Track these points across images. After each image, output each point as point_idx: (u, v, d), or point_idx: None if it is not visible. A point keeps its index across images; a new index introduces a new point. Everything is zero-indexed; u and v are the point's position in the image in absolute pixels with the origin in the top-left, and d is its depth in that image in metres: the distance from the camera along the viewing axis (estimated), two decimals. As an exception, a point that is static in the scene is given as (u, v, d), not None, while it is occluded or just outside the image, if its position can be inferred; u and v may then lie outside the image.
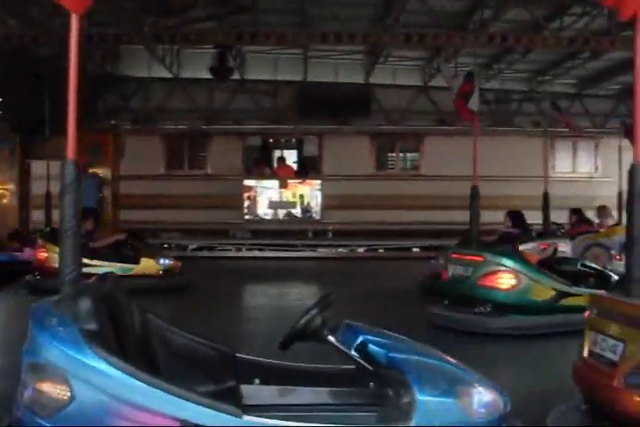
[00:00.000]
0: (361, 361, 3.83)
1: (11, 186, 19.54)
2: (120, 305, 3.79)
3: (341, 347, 3.85)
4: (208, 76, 18.39)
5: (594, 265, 9.95)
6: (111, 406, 3.18)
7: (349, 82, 20.03)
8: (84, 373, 3.17)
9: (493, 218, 18.06)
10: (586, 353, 4.39)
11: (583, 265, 9.79)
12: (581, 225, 14.31)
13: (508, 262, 8.82)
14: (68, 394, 3.17)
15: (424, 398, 3.46)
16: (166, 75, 19.37)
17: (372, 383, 4.01)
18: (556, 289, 8.69)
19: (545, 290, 8.69)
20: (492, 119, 20.80)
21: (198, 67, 18.88)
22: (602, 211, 14.76)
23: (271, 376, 4.20)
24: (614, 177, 19.61)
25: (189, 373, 4.04)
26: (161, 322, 4.19)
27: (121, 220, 19.01)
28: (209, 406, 3.23)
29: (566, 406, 4.56)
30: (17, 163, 19.48)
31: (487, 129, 20.02)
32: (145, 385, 3.19)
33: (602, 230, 13.75)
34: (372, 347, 3.85)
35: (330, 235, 19.71)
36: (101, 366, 3.17)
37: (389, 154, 21.10)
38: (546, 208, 14.71)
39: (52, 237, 11.70)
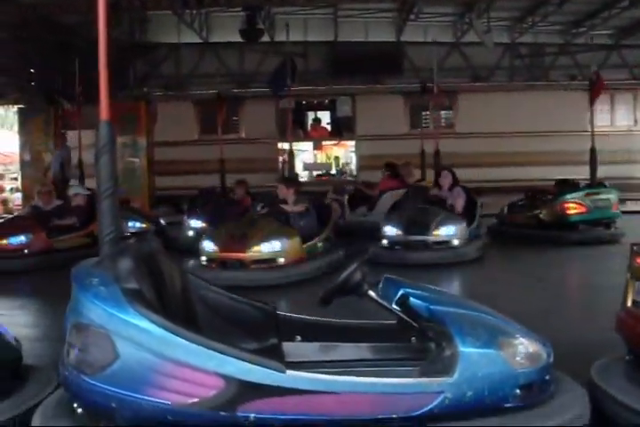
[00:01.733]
0: (402, 315, 3.82)
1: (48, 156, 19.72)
2: (160, 265, 3.81)
3: (382, 301, 3.84)
4: (238, 39, 18.24)
5: None
6: (154, 364, 3.22)
7: (380, 41, 19.74)
8: (126, 331, 3.21)
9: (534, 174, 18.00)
10: (629, 303, 4.32)
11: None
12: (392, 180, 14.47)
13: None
14: (113, 352, 3.22)
15: (467, 350, 3.45)
16: (196, 39, 19.26)
17: (413, 338, 4.00)
18: None
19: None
20: (528, 74, 20.45)
21: (228, 30, 18.72)
22: (404, 168, 15.03)
23: (312, 333, 4.22)
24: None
25: (231, 331, 4.06)
26: (201, 281, 4.22)
27: (157, 186, 19.09)
28: (251, 362, 3.25)
29: (610, 357, 4.51)
30: (52, 133, 19.63)
31: (523, 84, 19.79)
32: (187, 342, 3.22)
33: None
34: (412, 300, 3.85)
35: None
36: (143, 323, 3.21)
37: (423, 112, 20.86)
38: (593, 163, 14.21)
39: None
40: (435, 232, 10.45)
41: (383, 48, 19.52)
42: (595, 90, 13.73)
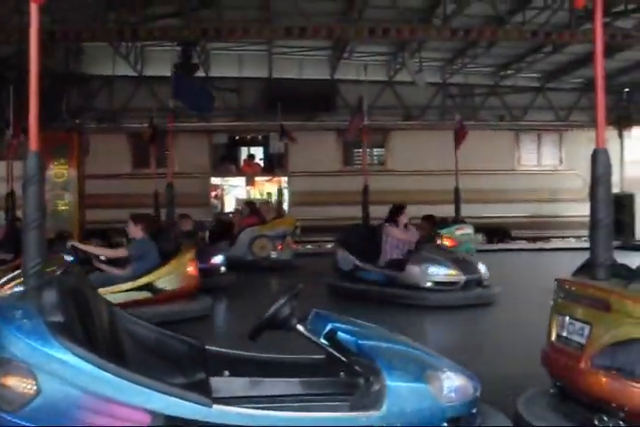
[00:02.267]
0: (330, 349, 3.83)
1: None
2: (86, 297, 3.75)
3: (310, 335, 3.85)
4: (170, 73, 18.24)
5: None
6: (79, 399, 3.14)
7: (314, 78, 20.01)
8: (50, 365, 3.13)
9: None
10: (554, 337, 4.42)
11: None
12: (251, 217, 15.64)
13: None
14: (35, 388, 3.13)
15: (394, 384, 3.47)
16: (130, 72, 19.21)
17: (342, 373, 4.02)
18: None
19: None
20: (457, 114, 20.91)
21: (162, 64, 18.71)
22: (263, 206, 16.72)
23: (241, 368, 4.20)
24: (578, 169, 19.86)
25: (158, 365, 4.02)
26: (128, 315, 4.17)
27: (87, 220, 18.80)
28: (179, 397, 3.21)
29: (535, 390, 4.60)
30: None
31: (453, 123, 20.19)
32: (113, 377, 3.16)
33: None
34: (341, 335, 3.86)
35: (298, 231, 19.66)
36: (68, 357, 3.14)
37: (355, 150, 21.12)
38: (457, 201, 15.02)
39: None
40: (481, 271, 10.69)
41: (317, 85, 19.78)
42: (458, 136, 14.66)
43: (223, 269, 12.45)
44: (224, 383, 4.13)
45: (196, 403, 3.22)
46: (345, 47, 17.93)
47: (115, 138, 19.91)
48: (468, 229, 14.06)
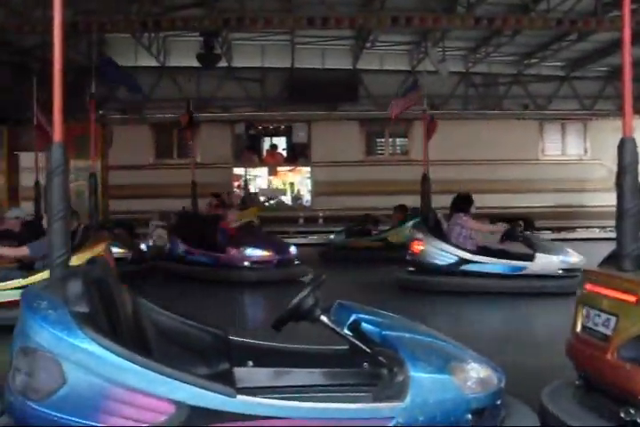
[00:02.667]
0: (354, 340, 3.83)
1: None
2: (110, 288, 3.77)
3: (334, 326, 3.85)
4: (195, 64, 18.28)
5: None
6: (104, 389, 3.16)
7: (337, 68, 19.94)
8: (75, 355, 3.15)
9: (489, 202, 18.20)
10: (579, 328, 4.39)
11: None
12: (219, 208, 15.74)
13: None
14: (61, 377, 3.15)
15: (418, 375, 3.46)
16: (153, 63, 19.25)
17: (365, 363, 4.01)
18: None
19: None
20: (481, 103, 20.79)
21: (185, 55, 18.77)
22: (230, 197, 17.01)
23: (265, 358, 4.20)
24: (603, 159, 19.70)
25: (182, 356, 4.03)
26: (153, 305, 4.18)
27: (110, 210, 18.93)
28: (203, 387, 3.22)
29: (561, 381, 4.57)
30: (5, 155, 19.40)
31: (476, 113, 20.11)
32: (138, 367, 3.17)
33: None
34: (364, 325, 3.86)
35: (321, 221, 19.70)
36: (93, 348, 3.15)
37: (378, 139, 21.08)
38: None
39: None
40: None
41: (340, 75, 19.72)
42: (429, 129, 14.60)
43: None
44: (247, 374, 4.14)
45: (220, 393, 3.23)
46: (367, 37, 17.83)
47: (138, 129, 19.99)
48: None
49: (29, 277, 7.68)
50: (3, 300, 7.45)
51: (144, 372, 3.17)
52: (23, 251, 8.27)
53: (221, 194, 16.86)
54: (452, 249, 10.50)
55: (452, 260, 10.43)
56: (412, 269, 10.83)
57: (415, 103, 13.43)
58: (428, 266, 10.57)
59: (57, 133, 3.72)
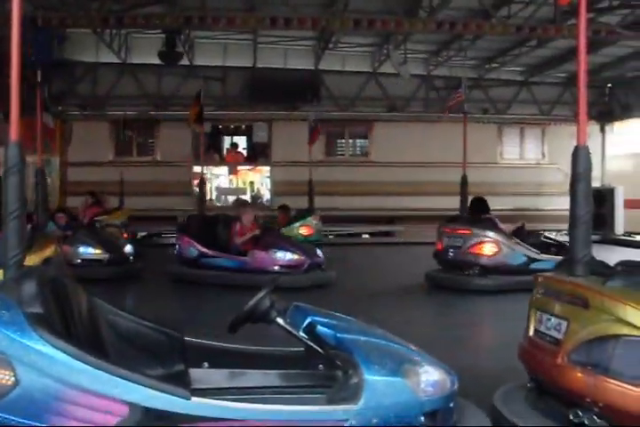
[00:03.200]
0: (309, 342, 3.84)
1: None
2: (66, 289, 3.73)
3: (289, 328, 3.86)
4: (157, 61, 18.16)
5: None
6: (57, 391, 3.13)
7: (299, 68, 19.95)
8: (28, 357, 3.11)
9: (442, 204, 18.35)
10: (531, 332, 4.46)
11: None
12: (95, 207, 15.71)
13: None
14: (12, 379, 3.11)
15: (372, 378, 3.49)
16: (114, 60, 19.09)
17: (320, 365, 4.02)
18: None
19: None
20: (441, 106, 20.93)
21: (147, 52, 18.62)
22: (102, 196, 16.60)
23: (220, 359, 4.19)
24: (560, 163, 19.96)
25: (137, 357, 4.01)
26: (108, 306, 4.15)
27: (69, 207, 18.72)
28: (157, 389, 3.20)
29: (512, 384, 4.64)
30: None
31: (436, 115, 20.25)
32: (92, 368, 3.15)
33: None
34: (320, 328, 3.87)
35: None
36: (46, 349, 3.12)
37: (339, 140, 21.14)
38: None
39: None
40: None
41: (301, 75, 19.74)
42: (312, 135, 16.34)
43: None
44: (203, 375, 4.13)
45: (175, 395, 3.22)
46: (330, 38, 17.88)
47: (98, 125, 19.81)
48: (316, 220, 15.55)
49: None
50: None
51: (97, 373, 3.14)
52: None
53: (97, 193, 16.44)
54: (522, 249, 10.90)
55: (523, 259, 10.84)
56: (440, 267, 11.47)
57: (458, 103, 13.61)
58: (501, 267, 10.80)
59: (13, 132, 3.68)
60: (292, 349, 4.24)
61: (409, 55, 18.48)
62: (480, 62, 20.23)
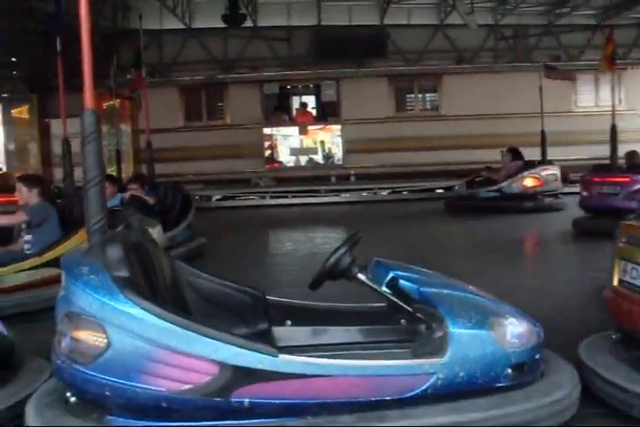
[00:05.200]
0: (392, 297, 3.84)
1: (32, 145, 19.69)
2: (148, 252, 3.80)
3: (371, 284, 3.86)
4: (221, 24, 18.15)
5: None
6: (148, 351, 3.21)
7: (364, 24, 19.67)
8: (118, 319, 3.20)
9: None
10: (616, 282, 4.37)
11: None
12: None
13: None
14: (105, 341, 3.22)
15: (458, 331, 3.48)
16: (179, 26, 19.15)
17: (403, 320, 4.03)
18: None
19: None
20: (510, 55, 20.45)
21: (210, 16, 18.61)
22: None
23: (302, 317, 4.23)
24: (638, 109, 19.34)
25: (221, 316, 4.07)
26: (190, 268, 4.22)
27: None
28: (245, 347, 3.26)
29: (598, 335, 4.56)
30: (36, 122, 19.57)
31: (507, 66, 19.79)
32: (180, 328, 3.22)
33: None
34: (402, 283, 3.87)
35: (353, 179, 19.66)
36: (135, 311, 3.20)
37: (408, 95, 20.86)
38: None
39: None
40: None
41: (367, 31, 19.46)
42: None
43: None
44: (286, 333, 4.18)
45: (262, 353, 3.27)
46: (394, -9, 17.56)
47: (166, 91, 19.97)
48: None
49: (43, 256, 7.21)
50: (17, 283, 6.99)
51: (186, 333, 3.21)
52: (18, 217, 7.39)
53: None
54: None
55: None
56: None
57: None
58: None
59: (88, 100, 3.74)
60: (373, 304, 4.25)
61: (475, 5, 18.01)
62: (550, 7, 19.60)
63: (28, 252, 7.30)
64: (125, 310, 3.20)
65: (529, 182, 14.72)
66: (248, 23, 18.50)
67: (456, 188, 16.07)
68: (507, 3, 18.94)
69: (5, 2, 13.79)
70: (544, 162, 15.41)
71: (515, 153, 15.40)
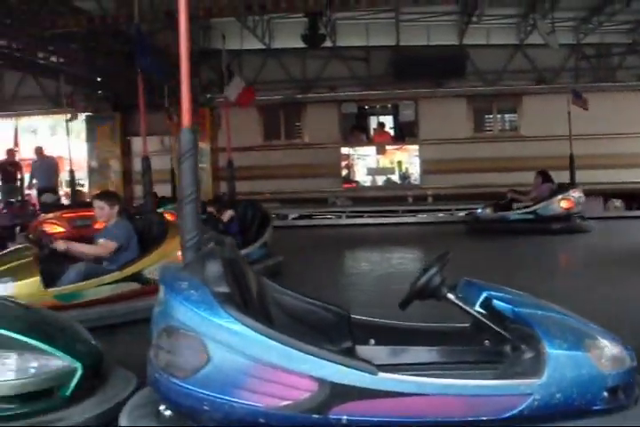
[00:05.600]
0: (483, 318, 3.81)
1: (114, 162, 20.19)
2: (241, 268, 3.86)
3: (462, 304, 3.84)
4: (300, 45, 18.36)
5: None
6: (247, 367, 3.24)
7: (443, 44, 19.64)
8: (219, 334, 3.24)
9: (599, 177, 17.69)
10: None
11: None
12: None
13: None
14: (205, 356, 3.25)
15: (555, 352, 3.44)
16: (258, 46, 19.45)
17: (487, 341, 3.98)
18: None
19: None
20: (594, 75, 20.11)
21: (290, 36, 18.86)
22: None
23: (386, 337, 4.21)
24: None
25: (306, 334, 4.07)
26: (275, 285, 4.26)
27: (221, 192, 19.30)
28: (345, 364, 3.27)
29: None
30: (119, 140, 20.07)
31: (589, 86, 19.47)
32: (281, 344, 3.24)
33: None
34: (496, 303, 3.84)
35: (430, 200, 19.57)
36: (236, 326, 3.24)
37: (487, 115, 20.71)
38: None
39: None
40: None
41: (446, 51, 19.42)
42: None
43: None
44: (370, 352, 4.15)
45: (362, 370, 3.27)
46: (473, 11, 17.46)
47: (246, 111, 20.24)
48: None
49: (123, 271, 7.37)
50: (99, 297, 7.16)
51: (287, 349, 3.23)
52: (110, 246, 7.47)
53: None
54: None
55: None
56: None
57: None
58: None
59: (186, 119, 3.84)
60: (455, 325, 4.22)
61: (557, 24, 17.80)
62: (634, 26, 19.22)
63: (108, 267, 7.47)
64: (226, 326, 3.24)
65: (564, 204, 14.86)
66: (327, 43, 18.66)
67: (479, 211, 15.98)
68: (589, 22, 18.67)
69: (93, 24, 14.25)
70: (573, 184, 15.49)
71: (544, 176, 15.61)
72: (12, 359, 3.88)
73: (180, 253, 7.36)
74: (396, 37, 19.58)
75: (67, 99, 16.56)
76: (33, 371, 3.91)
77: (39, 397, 3.91)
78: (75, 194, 17.14)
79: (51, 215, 13.78)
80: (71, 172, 16.34)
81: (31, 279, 6.86)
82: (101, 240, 7.54)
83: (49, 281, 6.95)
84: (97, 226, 9.20)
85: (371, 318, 4.36)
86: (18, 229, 14.23)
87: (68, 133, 16.07)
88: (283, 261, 10.66)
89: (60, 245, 7.39)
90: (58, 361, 4.01)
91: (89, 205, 13.48)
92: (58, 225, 13.24)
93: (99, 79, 18.22)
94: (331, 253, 13.39)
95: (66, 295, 6.95)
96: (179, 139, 3.83)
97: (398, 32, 19.50)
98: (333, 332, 4.21)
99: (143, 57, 11.60)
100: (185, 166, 3.79)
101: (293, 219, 18.88)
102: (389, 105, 21.75)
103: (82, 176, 21.12)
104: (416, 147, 20.14)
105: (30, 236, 9.33)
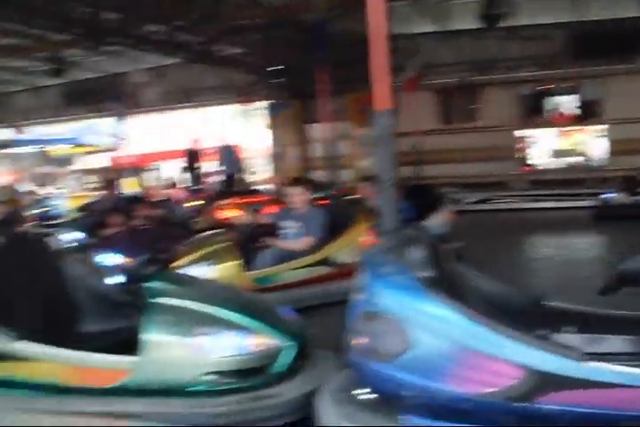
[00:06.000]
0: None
1: (293, 149, 20.69)
2: (439, 252, 3.83)
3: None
4: (474, 26, 17.96)
5: None
6: (452, 353, 3.21)
7: (628, 16, 18.57)
8: (423, 319, 3.22)
9: None
10: None
11: None
12: None
13: None
14: (408, 340, 3.25)
15: None
16: (432, 29, 19.21)
17: None
18: None
19: None
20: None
21: (467, 17, 18.49)
22: None
23: (581, 324, 4.04)
24: None
25: (500, 320, 4.01)
26: (468, 269, 4.20)
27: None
28: (552, 352, 3.18)
29: None
30: (298, 127, 20.53)
31: None
32: (488, 331, 3.19)
33: None
34: None
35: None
36: (442, 312, 3.21)
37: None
38: None
39: None
40: None
41: (633, 25, 18.36)
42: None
43: None
44: (567, 339, 3.99)
45: (569, 358, 3.17)
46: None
47: (421, 94, 20.12)
48: None
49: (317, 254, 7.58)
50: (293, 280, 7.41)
51: (493, 336, 3.18)
52: (308, 241, 7.74)
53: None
54: None
55: None
56: None
57: None
58: None
59: (383, 101, 3.81)
60: None
61: None
62: None
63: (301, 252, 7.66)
64: (431, 311, 3.22)
65: None
66: (507, 23, 18.14)
67: (612, 195, 15.18)
68: None
69: (273, 15, 14.61)
70: None
71: None
72: (231, 337, 4.09)
73: (363, 238, 7.76)
74: (577, 13, 18.72)
75: (248, 88, 17.08)
76: (250, 349, 4.13)
77: (255, 373, 4.11)
78: (243, 181, 17.71)
79: (225, 202, 14.32)
80: (243, 160, 16.83)
81: (232, 263, 7.20)
82: (304, 238, 7.74)
83: (245, 265, 7.19)
84: (265, 211, 9.45)
85: (565, 305, 4.22)
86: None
87: (247, 122, 16.59)
88: (463, 247, 10.52)
89: (270, 243, 7.72)
90: (272, 340, 4.22)
91: (254, 192, 14.12)
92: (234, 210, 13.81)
93: (278, 68, 18.66)
94: (510, 237, 13.13)
95: (263, 279, 7.24)
96: (375, 121, 3.82)
97: (579, 7, 18.65)
98: (528, 318, 4.10)
99: (320, 49, 11.78)
100: (382, 150, 3.78)
101: (471, 203, 18.56)
102: (569, 85, 20.87)
103: (261, 163, 21.81)
104: (599, 127, 19.24)
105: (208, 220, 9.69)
